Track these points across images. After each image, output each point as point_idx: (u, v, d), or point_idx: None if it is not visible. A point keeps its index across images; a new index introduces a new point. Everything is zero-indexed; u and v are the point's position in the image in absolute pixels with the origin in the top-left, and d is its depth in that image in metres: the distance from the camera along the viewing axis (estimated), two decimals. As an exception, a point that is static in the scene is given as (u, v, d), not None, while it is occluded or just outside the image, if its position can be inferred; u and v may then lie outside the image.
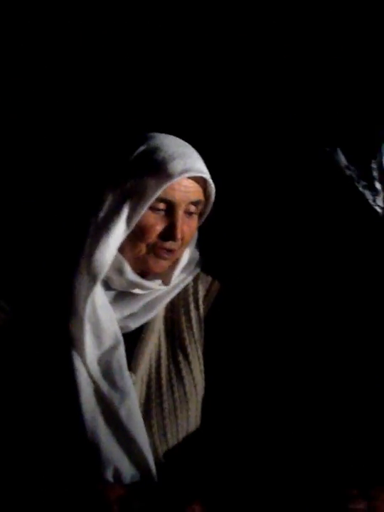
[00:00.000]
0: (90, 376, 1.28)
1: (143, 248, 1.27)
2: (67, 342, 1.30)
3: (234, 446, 1.29)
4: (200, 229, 1.35)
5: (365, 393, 1.22)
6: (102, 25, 1.71)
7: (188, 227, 1.29)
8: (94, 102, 1.70)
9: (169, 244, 1.27)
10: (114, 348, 1.29)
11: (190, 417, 1.29)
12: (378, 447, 1.20)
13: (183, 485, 1.27)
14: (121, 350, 1.29)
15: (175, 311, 1.37)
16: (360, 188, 1.17)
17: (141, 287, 1.32)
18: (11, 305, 1.34)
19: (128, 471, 1.24)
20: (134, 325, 1.33)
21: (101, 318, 1.30)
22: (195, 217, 1.32)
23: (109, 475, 1.23)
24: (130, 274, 1.30)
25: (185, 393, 1.29)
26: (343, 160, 1.20)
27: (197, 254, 1.38)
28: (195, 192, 1.27)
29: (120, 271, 1.31)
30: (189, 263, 1.37)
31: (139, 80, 1.71)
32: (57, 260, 1.39)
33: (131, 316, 1.34)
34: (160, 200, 1.24)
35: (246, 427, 1.30)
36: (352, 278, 1.21)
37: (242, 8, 1.56)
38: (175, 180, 1.23)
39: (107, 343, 1.30)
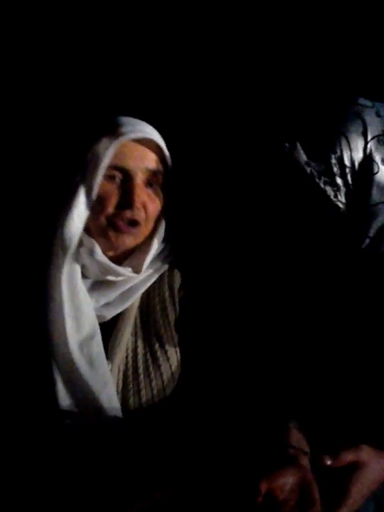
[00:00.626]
0: (73, 362, 1.27)
1: (103, 221, 1.26)
2: (48, 328, 1.31)
3: (213, 429, 1.28)
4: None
5: (339, 356, 1.23)
6: (99, 23, 1.66)
7: (150, 199, 1.29)
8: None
9: (129, 214, 1.25)
10: (93, 334, 1.31)
11: (167, 389, 1.30)
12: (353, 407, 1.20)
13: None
14: (99, 338, 1.31)
15: (150, 300, 1.38)
16: (322, 185, 1.16)
17: (113, 273, 1.32)
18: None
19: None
20: (109, 314, 1.34)
21: (81, 302, 1.31)
22: (158, 190, 1.31)
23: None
24: (100, 256, 1.29)
25: (162, 382, 1.31)
26: (303, 157, 1.17)
27: (170, 243, 1.38)
28: (150, 160, 1.27)
29: (91, 253, 1.30)
30: (163, 251, 1.37)
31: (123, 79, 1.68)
32: (29, 242, 1.40)
33: (107, 305, 1.35)
34: (114, 167, 1.25)
35: (225, 411, 1.29)
36: (314, 272, 1.23)
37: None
38: (124, 140, 1.22)
39: (87, 328, 1.31)
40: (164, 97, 1.61)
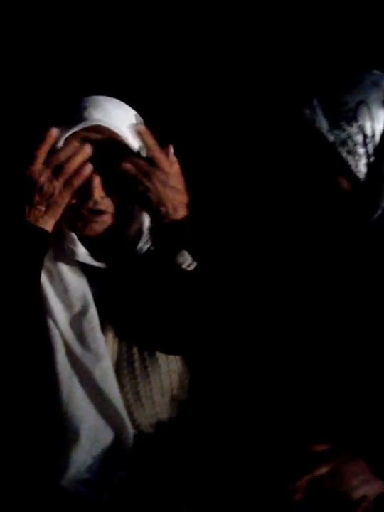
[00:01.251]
0: (63, 339, 1.28)
1: (69, 214, 1.26)
2: (41, 309, 1.29)
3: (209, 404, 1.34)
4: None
5: (337, 349, 1.25)
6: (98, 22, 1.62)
7: (113, 184, 1.24)
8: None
9: (91, 204, 1.23)
10: (84, 310, 1.29)
11: (162, 375, 1.32)
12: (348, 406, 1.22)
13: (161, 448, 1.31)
14: (93, 312, 1.29)
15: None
16: (344, 154, 1.14)
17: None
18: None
19: (103, 431, 1.29)
20: (100, 291, 1.32)
21: (67, 281, 1.30)
22: (123, 173, 1.24)
23: (85, 435, 1.26)
24: (79, 248, 1.29)
25: (154, 352, 1.31)
26: (325, 124, 1.15)
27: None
28: (103, 143, 1.22)
29: (73, 243, 1.29)
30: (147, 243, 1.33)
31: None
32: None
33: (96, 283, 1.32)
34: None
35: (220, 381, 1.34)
36: (330, 246, 1.22)
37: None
38: (69, 132, 1.21)
39: (77, 305, 1.29)
40: (168, 88, 1.56)
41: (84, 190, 1.22)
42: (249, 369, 1.33)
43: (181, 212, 1.25)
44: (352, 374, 1.21)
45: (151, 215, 1.28)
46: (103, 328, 1.31)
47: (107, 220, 1.26)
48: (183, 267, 1.24)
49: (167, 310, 1.26)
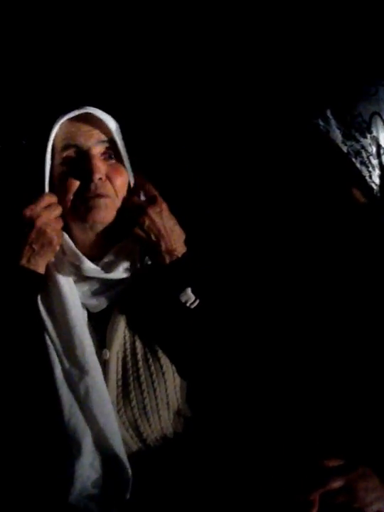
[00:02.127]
0: (57, 354, 1.29)
1: (70, 201, 1.27)
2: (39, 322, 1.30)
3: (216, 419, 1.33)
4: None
5: (348, 366, 1.24)
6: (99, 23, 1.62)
7: (114, 171, 1.29)
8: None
9: (93, 187, 1.25)
10: (74, 326, 1.30)
11: (168, 389, 1.32)
12: (361, 420, 1.21)
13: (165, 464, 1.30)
14: (83, 329, 1.30)
15: (144, 295, 1.35)
16: (358, 165, 1.15)
17: (83, 270, 1.32)
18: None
19: (104, 445, 1.27)
20: (100, 304, 1.33)
21: (62, 297, 1.30)
22: (116, 161, 1.30)
23: (87, 450, 1.26)
24: (85, 263, 1.30)
25: (160, 366, 1.31)
26: (338, 136, 1.16)
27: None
28: (100, 134, 1.28)
29: (78, 259, 1.31)
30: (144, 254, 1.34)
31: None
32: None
33: (94, 295, 1.34)
34: (66, 147, 1.26)
35: (226, 396, 1.33)
36: (346, 255, 1.21)
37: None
38: (62, 119, 1.24)
39: (69, 321, 1.30)
40: (173, 90, 1.58)
41: (85, 172, 1.25)
42: (259, 381, 1.33)
43: (180, 249, 1.28)
44: (368, 390, 1.21)
45: (151, 253, 1.30)
46: (108, 342, 1.31)
47: (109, 203, 1.28)
48: (187, 305, 1.27)
49: (171, 338, 1.29)
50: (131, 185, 1.33)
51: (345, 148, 1.16)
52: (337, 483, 1.15)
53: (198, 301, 1.27)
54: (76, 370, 1.27)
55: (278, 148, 1.26)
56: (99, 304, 1.33)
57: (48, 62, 1.67)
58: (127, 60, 1.63)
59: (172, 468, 1.31)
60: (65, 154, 1.27)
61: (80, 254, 1.30)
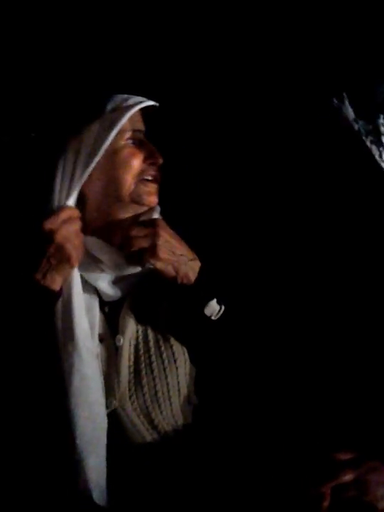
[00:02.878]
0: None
1: (130, 180, 1.27)
2: None
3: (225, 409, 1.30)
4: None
5: (358, 359, 1.25)
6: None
7: None
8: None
9: (154, 170, 1.29)
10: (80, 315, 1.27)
11: (180, 376, 1.30)
12: (372, 415, 1.22)
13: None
14: (84, 319, 1.27)
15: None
16: (368, 143, 1.18)
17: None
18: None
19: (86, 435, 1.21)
20: (115, 293, 1.31)
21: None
22: None
23: (73, 437, 1.19)
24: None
25: (173, 353, 1.30)
26: (351, 113, 1.20)
27: None
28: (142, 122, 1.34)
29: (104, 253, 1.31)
30: None
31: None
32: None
33: (110, 284, 1.32)
34: (132, 130, 1.29)
35: (236, 387, 1.31)
36: (353, 241, 1.22)
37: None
38: (138, 107, 1.27)
39: (76, 311, 1.26)
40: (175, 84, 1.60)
41: (150, 158, 1.29)
42: (271, 373, 1.31)
43: (195, 263, 1.28)
44: (380, 383, 1.21)
45: (169, 286, 1.29)
46: (121, 328, 1.30)
47: (158, 190, 1.32)
48: (213, 318, 1.26)
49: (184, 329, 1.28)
50: None
51: (356, 127, 1.19)
52: (348, 477, 1.14)
53: (222, 311, 1.26)
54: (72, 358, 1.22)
55: (286, 133, 1.28)
56: (115, 293, 1.32)
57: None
58: (127, 56, 1.65)
59: (183, 457, 1.27)
60: (130, 136, 1.29)
61: (108, 247, 1.30)
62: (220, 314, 1.26)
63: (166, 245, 1.24)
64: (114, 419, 1.26)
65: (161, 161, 1.29)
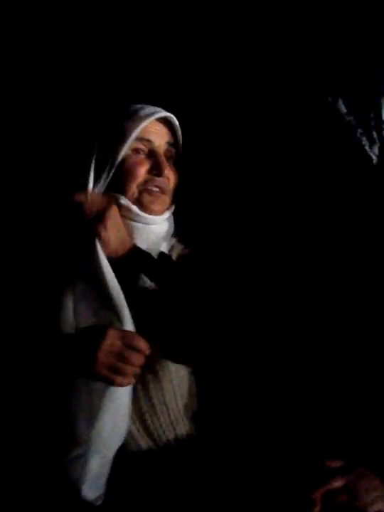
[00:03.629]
0: None
1: (134, 188, 1.32)
2: None
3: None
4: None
5: (349, 363, 1.23)
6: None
7: (172, 171, 1.37)
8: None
9: (158, 181, 1.33)
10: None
11: (173, 381, 1.26)
12: (362, 419, 1.20)
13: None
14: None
15: None
16: (358, 134, 1.21)
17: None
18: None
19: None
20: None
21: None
22: (173, 164, 1.38)
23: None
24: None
25: (164, 358, 1.25)
26: (343, 108, 1.24)
27: (173, 226, 1.42)
28: (167, 134, 1.37)
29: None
30: (167, 234, 1.40)
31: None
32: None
33: None
34: (139, 140, 1.32)
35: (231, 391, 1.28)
36: (346, 222, 1.22)
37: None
38: (151, 118, 1.32)
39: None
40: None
41: (155, 167, 1.33)
42: (260, 379, 1.29)
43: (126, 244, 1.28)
44: (370, 390, 1.20)
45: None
46: None
47: (166, 200, 1.36)
48: (147, 286, 1.27)
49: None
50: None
51: (347, 119, 1.22)
52: (338, 483, 1.13)
53: (153, 285, 1.27)
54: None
55: (283, 126, 1.30)
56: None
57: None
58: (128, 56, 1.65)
59: (177, 465, 1.23)
60: (137, 146, 1.32)
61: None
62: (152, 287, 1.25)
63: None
64: None
65: (166, 172, 1.33)
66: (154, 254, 1.30)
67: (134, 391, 1.20)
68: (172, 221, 1.40)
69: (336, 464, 1.15)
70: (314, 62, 1.34)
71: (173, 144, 1.38)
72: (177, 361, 1.26)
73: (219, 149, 1.55)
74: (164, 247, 1.35)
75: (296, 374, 1.26)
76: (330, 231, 1.25)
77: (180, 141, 1.39)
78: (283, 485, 1.15)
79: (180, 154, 1.39)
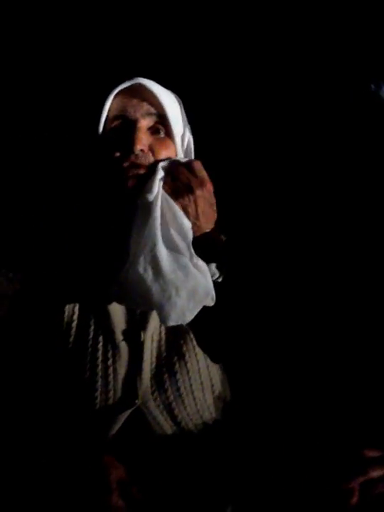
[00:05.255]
0: None
1: (112, 171, 1.21)
2: None
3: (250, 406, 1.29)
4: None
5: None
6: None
7: (159, 143, 1.25)
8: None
9: (133, 158, 1.21)
10: None
11: (201, 370, 1.27)
12: None
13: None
14: None
15: None
16: None
17: None
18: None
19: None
20: None
21: None
22: (165, 136, 1.26)
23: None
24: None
25: (193, 347, 1.26)
26: None
27: None
28: (146, 105, 1.24)
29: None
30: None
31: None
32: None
33: None
34: (115, 118, 1.23)
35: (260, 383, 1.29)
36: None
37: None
38: (116, 90, 1.22)
39: None
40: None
41: (126, 144, 1.21)
42: (296, 367, 1.29)
43: (211, 226, 1.25)
44: None
45: None
46: (144, 324, 1.26)
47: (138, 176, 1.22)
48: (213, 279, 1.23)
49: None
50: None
51: None
52: (377, 473, 1.14)
53: (221, 278, 1.24)
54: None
55: (323, 118, 1.24)
56: None
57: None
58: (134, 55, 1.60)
59: (204, 454, 1.24)
60: (113, 124, 1.23)
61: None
62: (219, 279, 1.23)
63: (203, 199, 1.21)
64: (137, 416, 1.23)
65: (137, 148, 1.20)
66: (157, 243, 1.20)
67: (162, 381, 1.23)
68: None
69: (374, 453, 1.16)
70: (355, 49, 1.25)
71: (161, 112, 1.24)
72: (206, 352, 1.27)
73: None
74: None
75: (334, 365, 1.27)
76: (354, 229, 1.22)
77: (172, 108, 1.26)
78: (321, 474, 1.16)
79: (171, 125, 1.24)
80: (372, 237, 1.23)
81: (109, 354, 1.23)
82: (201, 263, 1.20)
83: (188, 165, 1.23)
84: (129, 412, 1.23)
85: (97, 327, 1.25)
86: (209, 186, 1.23)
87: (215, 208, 1.25)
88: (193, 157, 1.32)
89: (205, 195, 1.22)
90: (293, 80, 1.39)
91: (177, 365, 1.24)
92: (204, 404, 1.27)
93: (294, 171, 1.35)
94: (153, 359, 1.25)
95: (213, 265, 1.24)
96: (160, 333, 1.26)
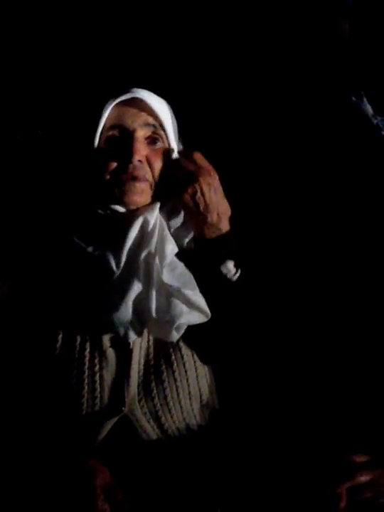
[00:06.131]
0: None
1: (106, 181, 1.21)
2: None
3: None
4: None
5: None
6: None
7: (155, 155, 1.25)
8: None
9: (131, 168, 1.20)
10: None
11: (189, 378, 1.27)
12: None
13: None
14: None
15: None
16: None
17: None
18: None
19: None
20: None
21: None
22: (161, 147, 1.26)
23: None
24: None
25: (181, 356, 1.26)
26: (369, 109, 1.23)
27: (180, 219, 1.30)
28: (144, 115, 1.24)
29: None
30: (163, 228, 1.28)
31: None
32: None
33: None
34: (112, 127, 1.22)
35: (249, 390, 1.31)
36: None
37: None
38: (115, 101, 1.21)
39: None
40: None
41: (124, 153, 1.20)
42: (287, 374, 1.31)
43: (225, 222, 1.25)
44: None
45: (197, 224, 1.25)
46: None
47: (144, 188, 1.22)
48: (228, 277, 1.24)
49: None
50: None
51: (375, 121, 1.22)
52: (364, 478, 1.14)
53: (238, 274, 1.24)
54: None
55: (304, 127, 1.29)
56: None
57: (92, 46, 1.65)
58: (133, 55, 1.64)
59: (191, 461, 1.24)
60: (109, 134, 1.23)
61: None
62: (235, 277, 1.23)
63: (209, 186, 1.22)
64: (124, 423, 1.22)
65: (136, 158, 1.20)
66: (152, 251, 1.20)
67: (149, 389, 1.23)
68: (178, 213, 1.27)
69: (361, 458, 1.16)
70: (337, 62, 1.31)
71: (158, 123, 1.24)
72: (196, 360, 1.27)
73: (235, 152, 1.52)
74: (171, 246, 1.24)
75: (322, 369, 1.28)
76: (348, 232, 1.25)
77: (168, 118, 1.26)
78: (308, 479, 1.16)
79: (167, 135, 1.25)
80: (370, 237, 1.26)
81: (96, 361, 1.22)
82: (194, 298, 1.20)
83: (189, 156, 1.24)
84: (115, 419, 1.21)
85: (84, 333, 1.23)
86: (214, 174, 1.23)
87: (225, 201, 1.24)
88: None
89: (212, 183, 1.22)
90: (279, 91, 1.44)
91: (165, 373, 1.24)
92: (191, 412, 1.27)
93: (284, 180, 1.38)
94: (141, 367, 1.24)
95: (231, 263, 1.24)
96: (148, 340, 1.26)
